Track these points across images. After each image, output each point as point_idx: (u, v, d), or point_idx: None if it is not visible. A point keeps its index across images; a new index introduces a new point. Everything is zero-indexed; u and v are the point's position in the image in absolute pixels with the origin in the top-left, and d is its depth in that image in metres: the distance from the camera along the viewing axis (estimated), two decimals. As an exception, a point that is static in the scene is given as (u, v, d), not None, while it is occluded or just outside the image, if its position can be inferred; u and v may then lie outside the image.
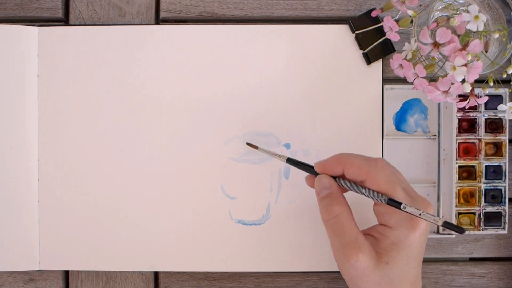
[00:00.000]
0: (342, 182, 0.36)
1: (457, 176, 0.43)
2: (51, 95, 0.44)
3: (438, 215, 0.44)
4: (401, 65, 0.38)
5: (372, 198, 0.34)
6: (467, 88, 0.35)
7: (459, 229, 0.31)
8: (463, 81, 0.35)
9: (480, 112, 0.43)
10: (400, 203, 0.33)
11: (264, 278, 0.45)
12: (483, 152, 0.43)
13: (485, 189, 0.43)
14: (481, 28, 0.33)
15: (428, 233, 0.35)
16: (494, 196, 0.43)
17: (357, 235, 0.34)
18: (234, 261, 0.44)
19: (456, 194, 0.43)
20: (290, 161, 0.39)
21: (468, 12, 0.34)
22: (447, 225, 0.31)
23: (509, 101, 0.42)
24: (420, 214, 0.32)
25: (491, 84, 0.38)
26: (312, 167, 0.38)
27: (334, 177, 0.37)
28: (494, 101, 0.42)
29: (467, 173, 0.44)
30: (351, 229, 0.35)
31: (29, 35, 0.43)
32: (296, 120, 0.44)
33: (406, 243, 0.34)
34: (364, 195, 0.35)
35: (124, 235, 0.44)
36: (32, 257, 0.43)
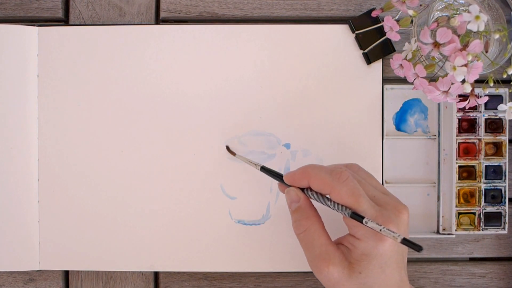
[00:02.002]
0: (309, 193, 0.36)
1: (457, 176, 0.43)
2: (51, 95, 0.44)
3: (438, 216, 0.44)
4: (401, 65, 0.38)
5: (337, 211, 0.34)
6: (467, 88, 0.35)
7: (417, 247, 0.30)
8: (463, 81, 0.35)
9: (480, 112, 0.43)
10: (363, 218, 0.32)
11: (264, 278, 0.45)
12: (483, 152, 0.43)
13: (485, 189, 0.43)
14: (481, 28, 0.33)
15: (397, 244, 0.34)
16: (494, 196, 0.43)
17: (327, 247, 0.34)
18: (234, 261, 0.44)
19: (456, 194, 0.43)
20: (264, 169, 0.39)
21: (468, 12, 0.34)
22: (405, 242, 0.30)
23: (509, 101, 0.42)
24: (380, 230, 0.31)
25: (491, 84, 0.38)
26: (281, 176, 0.37)
27: (303, 189, 0.36)
28: (494, 101, 0.43)
29: (467, 173, 0.44)
30: (320, 242, 0.35)
31: (29, 35, 0.43)
32: (296, 120, 0.44)
33: (376, 253, 0.33)
34: (330, 207, 0.34)
35: (124, 235, 0.44)
36: (32, 257, 0.43)
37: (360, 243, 0.34)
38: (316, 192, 0.35)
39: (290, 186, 0.37)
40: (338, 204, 0.34)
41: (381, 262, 0.33)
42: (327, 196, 0.35)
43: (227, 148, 0.43)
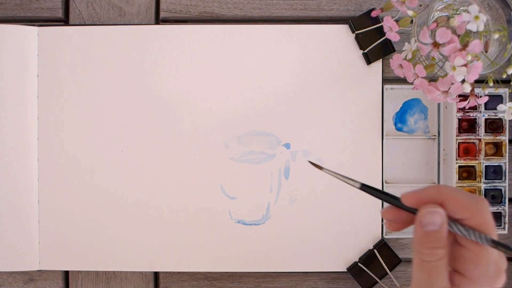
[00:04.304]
0: None
1: (457, 176, 0.43)
2: (51, 95, 0.44)
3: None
4: (401, 65, 0.38)
5: (472, 239, 0.30)
6: (467, 88, 0.35)
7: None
8: (463, 81, 0.35)
9: (480, 112, 0.43)
10: (509, 247, 0.29)
11: (264, 278, 0.45)
12: (483, 152, 0.43)
13: (485, 189, 0.43)
14: (481, 28, 0.33)
15: None
16: (494, 196, 0.43)
17: (448, 285, 0.31)
18: (234, 261, 0.44)
19: (456, 194, 0.43)
20: (365, 187, 0.33)
21: (468, 12, 0.33)
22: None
23: (509, 101, 0.42)
24: None
25: (491, 84, 0.38)
26: (397, 198, 0.32)
27: None
28: (494, 101, 0.42)
29: (467, 173, 0.44)
30: (444, 280, 0.31)
31: (29, 35, 0.43)
32: (296, 120, 0.44)
33: None
34: (461, 233, 0.31)
35: (124, 235, 0.44)
36: (32, 257, 0.43)
37: (472, 285, 0.31)
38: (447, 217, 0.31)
39: (403, 208, 0.32)
40: (475, 231, 0.30)
41: None
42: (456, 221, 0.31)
43: (311, 163, 0.34)
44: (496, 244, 0.29)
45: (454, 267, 0.32)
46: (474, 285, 0.30)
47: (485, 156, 0.43)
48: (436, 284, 0.31)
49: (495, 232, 0.30)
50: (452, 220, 0.31)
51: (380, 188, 0.32)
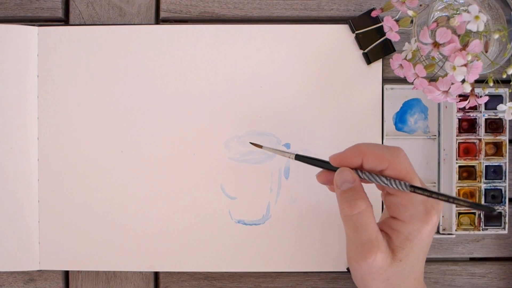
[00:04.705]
0: (360, 173, 0.34)
1: (457, 176, 0.43)
2: (51, 95, 0.44)
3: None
4: (401, 65, 0.38)
5: (394, 187, 0.33)
6: (467, 88, 0.35)
7: (489, 209, 0.31)
8: (463, 81, 0.35)
9: (480, 112, 0.43)
10: (427, 190, 0.32)
11: (264, 278, 0.45)
12: (483, 152, 0.43)
13: (485, 189, 0.43)
14: (481, 28, 0.33)
15: (435, 228, 0.35)
16: (494, 196, 0.43)
17: (377, 233, 0.33)
18: (234, 261, 0.44)
19: (456, 194, 0.43)
20: (299, 157, 0.37)
21: (468, 12, 0.34)
22: (477, 206, 0.31)
23: (509, 101, 0.42)
24: (452, 200, 0.31)
25: (491, 84, 0.38)
26: (326, 162, 0.36)
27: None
28: (494, 101, 0.42)
29: (467, 173, 0.44)
30: (372, 227, 0.33)
31: (29, 35, 0.43)
32: (296, 120, 0.44)
33: (419, 238, 0.33)
34: (384, 184, 0.33)
35: (124, 235, 0.44)
36: (32, 257, 0.43)
37: (405, 225, 0.33)
38: (368, 172, 0.34)
39: (333, 170, 0.35)
40: (395, 179, 0.33)
41: (420, 248, 0.33)
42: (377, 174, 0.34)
43: (252, 143, 0.41)
44: (414, 188, 0.32)
45: (390, 214, 0.35)
46: (407, 225, 0.33)
47: (485, 156, 0.43)
48: (363, 237, 0.33)
49: (415, 176, 0.33)
50: (374, 173, 0.34)
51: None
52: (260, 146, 0.41)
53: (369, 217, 0.33)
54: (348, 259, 0.35)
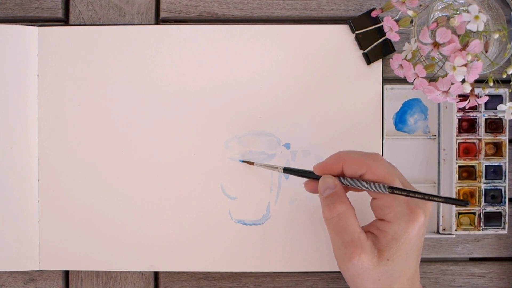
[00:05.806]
0: (342, 180, 0.36)
1: (457, 176, 0.43)
2: (51, 95, 0.44)
3: (438, 216, 0.44)
4: (401, 65, 0.38)
5: (374, 190, 0.34)
6: (467, 88, 0.35)
7: (463, 202, 0.32)
8: (463, 81, 0.35)
9: (480, 112, 0.43)
10: (404, 189, 0.33)
11: (264, 278, 0.45)
12: (483, 152, 0.43)
13: (485, 189, 0.43)
14: (481, 28, 0.33)
15: (426, 227, 0.36)
16: (494, 196, 0.43)
17: (360, 234, 0.34)
18: (234, 261, 0.44)
19: (456, 194, 0.43)
20: (287, 170, 0.40)
21: (468, 12, 0.34)
22: (450, 200, 0.32)
23: (509, 101, 0.42)
24: (428, 197, 0.32)
25: (491, 84, 0.38)
26: (310, 172, 0.38)
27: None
28: (494, 101, 0.42)
29: (467, 173, 0.44)
30: (353, 228, 0.34)
31: (29, 35, 0.43)
32: (296, 120, 0.44)
33: (405, 237, 0.34)
34: (365, 188, 0.35)
35: (124, 235, 0.44)
36: (32, 257, 0.43)
37: (391, 225, 0.34)
38: (350, 178, 0.36)
39: (318, 179, 0.37)
40: (374, 182, 0.34)
41: (408, 248, 0.34)
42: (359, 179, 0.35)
43: (244, 161, 0.43)
44: (392, 189, 0.33)
45: (377, 217, 0.36)
46: (393, 225, 0.34)
47: (485, 156, 0.43)
48: (345, 238, 0.35)
49: (394, 178, 0.34)
50: (355, 178, 0.36)
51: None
52: (252, 163, 0.43)
53: (349, 219, 0.35)
54: (337, 262, 0.36)
